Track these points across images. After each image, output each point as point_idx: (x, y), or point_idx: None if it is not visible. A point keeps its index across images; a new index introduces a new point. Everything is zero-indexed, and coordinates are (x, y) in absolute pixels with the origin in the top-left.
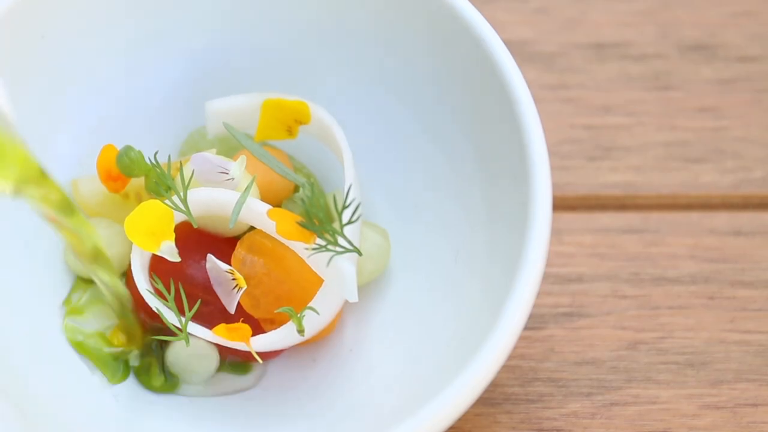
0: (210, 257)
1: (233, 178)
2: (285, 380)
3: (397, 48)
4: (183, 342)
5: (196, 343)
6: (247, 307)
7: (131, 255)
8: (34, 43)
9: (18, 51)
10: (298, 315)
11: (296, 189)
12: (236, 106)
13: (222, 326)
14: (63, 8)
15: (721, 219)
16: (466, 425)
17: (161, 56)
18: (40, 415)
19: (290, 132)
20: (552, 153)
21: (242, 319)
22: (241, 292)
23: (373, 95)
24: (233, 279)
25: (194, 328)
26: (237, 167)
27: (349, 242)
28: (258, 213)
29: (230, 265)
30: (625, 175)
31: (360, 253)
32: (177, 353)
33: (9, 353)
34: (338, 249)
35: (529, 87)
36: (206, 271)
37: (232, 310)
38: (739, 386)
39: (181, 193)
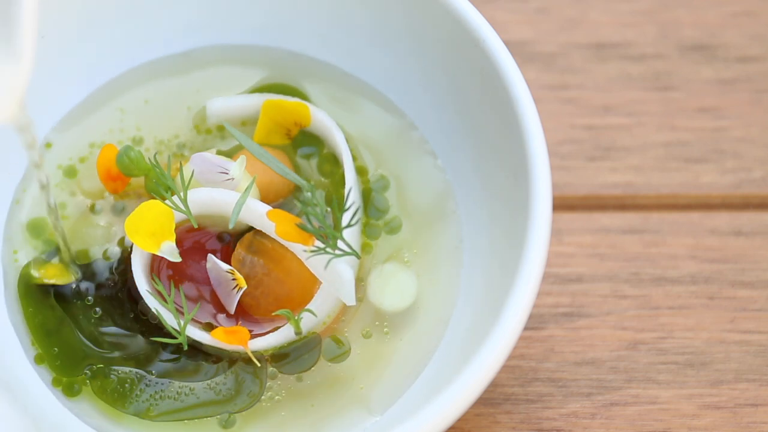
0: (210, 257)
1: (233, 178)
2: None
3: (397, 48)
4: None
5: None
6: (248, 307)
7: (131, 255)
8: None
9: None
10: (296, 317)
11: (296, 189)
12: (237, 106)
13: (220, 329)
14: (63, 8)
15: (721, 219)
16: (466, 425)
17: (162, 54)
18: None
19: (289, 135)
20: (552, 153)
21: (240, 321)
22: (241, 292)
23: (371, 95)
24: (233, 279)
25: (192, 330)
26: (237, 167)
27: (348, 245)
28: (258, 214)
29: (230, 265)
30: (625, 175)
31: (359, 257)
32: None
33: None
34: (337, 252)
35: (529, 87)
36: (206, 271)
37: (231, 310)
38: (739, 386)
39: (181, 193)
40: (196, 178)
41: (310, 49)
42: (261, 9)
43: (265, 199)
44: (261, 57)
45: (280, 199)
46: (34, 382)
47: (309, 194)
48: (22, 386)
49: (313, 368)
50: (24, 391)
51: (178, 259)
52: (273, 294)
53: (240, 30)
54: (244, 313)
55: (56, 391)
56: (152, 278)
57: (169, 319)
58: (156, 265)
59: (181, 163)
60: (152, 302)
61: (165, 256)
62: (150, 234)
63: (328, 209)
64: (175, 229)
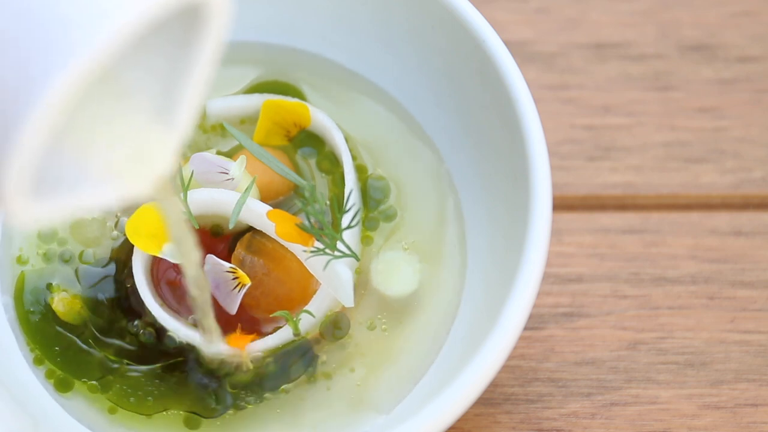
0: (210, 257)
1: (233, 178)
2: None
3: (398, 46)
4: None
5: None
6: (247, 308)
7: (132, 257)
8: None
9: None
10: (294, 318)
11: (296, 188)
12: (237, 106)
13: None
14: None
15: (721, 219)
16: (466, 425)
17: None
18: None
19: (288, 136)
20: (552, 153)
21: (240, 323)
22: (244, 290)
23: (372, 94)
24: (234, 279)
25: (191, 332)
26: (237, 167)
27: (348, 247)
28: (258, 214)
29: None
30: (625, 175)
31: (358, 258)
32: None
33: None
34: (336, 253)
35: (529, 87)
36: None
37: (233, 310)
38: (739, 386)
39: (181, 194)
40: (196, 178)
41: (310, 46)
42: (260, 6)
43: (265, 199)
44: (260, 54)
45: (280, 197)
46: (33, 383)
47: (308, 194)
48: (20, 386)
49: (309, 369)
50: (23, 390)
51: (179, 261)
52: (273, 294)
53: (239, 27)
54: (244, 314)
55: (48, 384)
56: (152, 278)
57: (167, 320)
58: (156, 266)
59: (181, 163)
60: (152, 302)
61: (166, 258)
62: (151, 235)
63: (327, 202)
64: None
